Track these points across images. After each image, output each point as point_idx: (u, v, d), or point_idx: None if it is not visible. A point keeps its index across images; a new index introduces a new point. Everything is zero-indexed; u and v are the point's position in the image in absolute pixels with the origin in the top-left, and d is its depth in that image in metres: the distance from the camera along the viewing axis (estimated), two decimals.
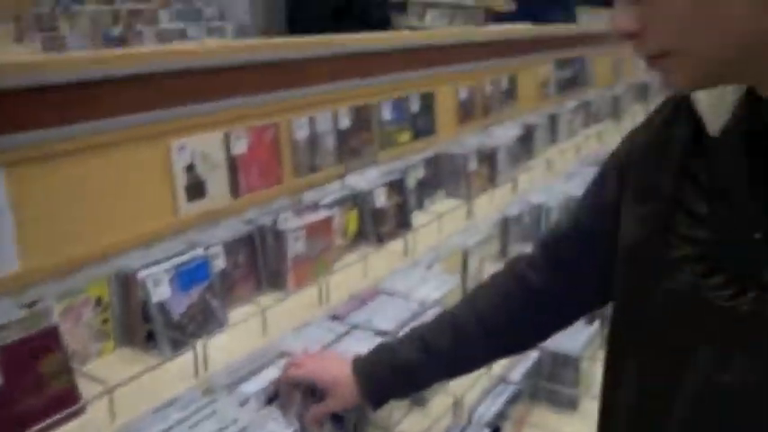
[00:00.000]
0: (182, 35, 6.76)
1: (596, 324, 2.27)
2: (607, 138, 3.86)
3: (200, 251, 1.59)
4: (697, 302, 0.92)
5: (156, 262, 1.51)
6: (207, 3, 7.96)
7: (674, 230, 0.97)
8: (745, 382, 0.88)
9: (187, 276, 1.54)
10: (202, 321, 1.55)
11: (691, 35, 0.81)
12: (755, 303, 0.87)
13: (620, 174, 1.10)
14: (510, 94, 3.26)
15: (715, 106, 0.95)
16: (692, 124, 0.97)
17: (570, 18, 6.68)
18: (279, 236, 1.76)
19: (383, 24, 10.36)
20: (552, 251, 1.26)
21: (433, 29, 8.63)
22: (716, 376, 0.91)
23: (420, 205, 2.44)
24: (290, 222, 1.79)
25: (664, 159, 1.01)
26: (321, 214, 1.89)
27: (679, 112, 1.01)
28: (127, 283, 1.49)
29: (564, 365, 2.09)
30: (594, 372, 2.13)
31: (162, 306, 1.48)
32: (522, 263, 1.31)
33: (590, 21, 6.05)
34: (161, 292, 1.49)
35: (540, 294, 1.26)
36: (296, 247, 1.78)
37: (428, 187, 2.48)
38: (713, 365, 0.91)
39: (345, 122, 2.16)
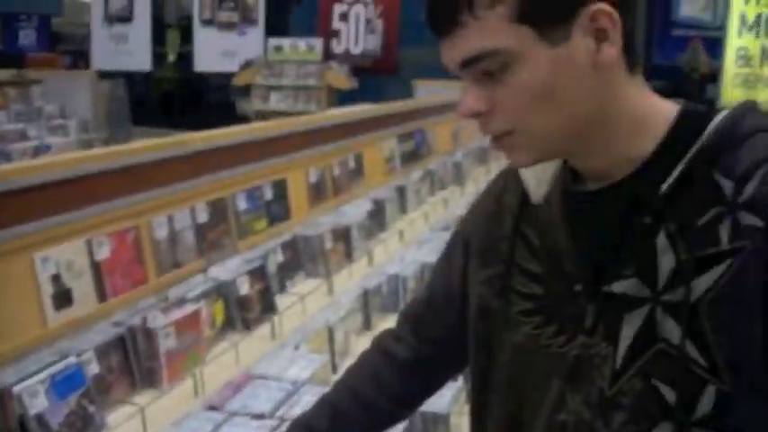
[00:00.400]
0: (22, 136, 6.64)
1: (460, 380, 2.41)
2: (452, 203, 4.09)
3: (72, 359, 1.63)
4: (537, 351, 1.05)
5: (30, 374, 1.54)
6: (47, 101, 7.85)
7: (513, 289, 1.10)
8: (579, 420, 1.02)
9: (62, 385, 1.57)
10: (82, 428, 1.58)
11: (534, 116, 0.93)
12: (582, 348, 1.00)
13: (464, 243, 1.23)
14: (358, 171, 3.42)
15: (538, 178, 1.11)
16: (520, 193, 1.13)
17: (408, 93, 7.01)
18: (149, 335, 1.82)
19: (227, 109, 10.48)
20: (412, 322, 1.37)
21: (278, 111, 8.81)
22: (556, 415, 1.03)
23: (283, 288, 2.53)
24: (159, 320, 1.85)
25: (499, 226, 1.15)
26: (188, 309, 1.96)
27: (509, 182, 1.16)
28: (2, 399, 1.51)
29: (434, 424, 2.21)
30: (465, 426, 2.26)
31: (40, 418, 1.51)
32: (387, 338, 1.41)
33: (427, 92, 6.37)
34: (38, 403, 1.51)
35: (407, 364, 1.35)
36: (167, 343, 1.84)
37: (288, 270, 2.59)
38: (553, 406, 1.05)
39: (203, 217, 2.25)
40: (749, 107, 0.98)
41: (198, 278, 2.16)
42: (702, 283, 0.91)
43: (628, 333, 0.96)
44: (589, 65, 0.93)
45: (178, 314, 1.91)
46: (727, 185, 0.91)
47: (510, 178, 1.16)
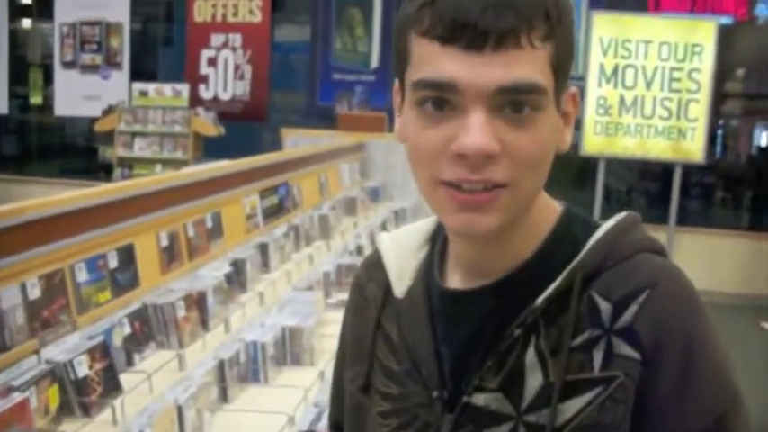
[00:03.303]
0: None
1: None
2: (318, 259, 4.00)
3: None
4: None
5: None
6: None
7: (374, 387, 1.02)
8: None
9: None
10: None
11: (531, 175, 0.84)
12: None
13: (341, 341, 1.14)
14: (215, 231, 3.29)
15: (401, 269, 1.02)
16: (382, 284, 1.04)
17: (277, 139, 6.93)
18: None
19: (89, 156, 10.12)
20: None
21: (143, 158, 8.56)
22: None
23: (130, 363, 2.37)
24: None
25: (364, 320, 1.06)
26: (14, 398, 1.78)
27: (373, 273, 1.07)
28: None
29: None
30: None
31: None
32: None
33: (295, 142, 6.30)
34: None
35: None
36: None
37: (136, 343, 2.42)
38: None
39: (35, 292, 2.07)
40: (631, 223, 0.93)
41: (30, 361, 1.98)
42: (569, 408, 0.84)
43: None
44: (556, 143, 0.87)
45: (2, 405, 1.73)
46: (605, 308, 0.85)
47: (374, 268, 1.07)
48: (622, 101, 7.96)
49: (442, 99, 0.81)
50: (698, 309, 0.86)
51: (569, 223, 0.93)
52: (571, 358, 0.85)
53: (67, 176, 10.27)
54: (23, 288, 2.03)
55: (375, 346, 1.03)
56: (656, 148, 7.98)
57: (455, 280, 0.96)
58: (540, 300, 0.87)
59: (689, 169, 8.63)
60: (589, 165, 8.33)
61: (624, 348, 0.83)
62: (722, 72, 8.82)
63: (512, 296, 0.90)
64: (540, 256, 0.91)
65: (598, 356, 0.84)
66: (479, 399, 0.90)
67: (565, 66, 0.84)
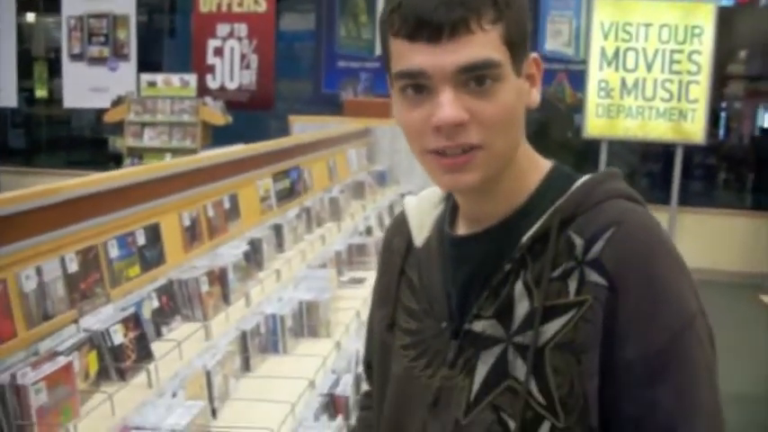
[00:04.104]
0: None
1: (339, 418, 2.46)
2: (329, 239, 4.15)
3: None
4: (411, 382, 1.14)
5: None
6: None
7: (398, 325, 1.20)
8: None
9: None
10: None
11: (502, 134, 1.01)
12: (443, 380, 1.10)
13: (374, 289, 1.33)
14: (233, 212, 3.43)
15: (421, 223, 1.22)
16: (406, 237, 1.23)
17: (284, 127, 7.06)
18: (19, 391, 1.78)
19: (99, 147, 10.25)
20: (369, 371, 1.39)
21: (152, 148, 8.68)
22: None
23: (159, 334, 2.51)
24: (29, 376, 1.81)
25: (391, 268, 1.26)
26: (60, 362, 1.92)
27: (399, 228, 1.27)
28: None
29: None
30: None
31: None
32: (364, 401, 1.44)
33: (303, 129, 6.42)
34: None
35: None
36: (39, 399, 1.80)
37: (164, 315, 2.57)
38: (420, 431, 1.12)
39: (73, 266, 2.22)
40: (610, 175, 1.10)
41: (70, 329, 2.13)
42: (550, 329, 1.00)
43: (482, 369, 1.06)
44: (524, 103, 1.04)
45: (49, 369, 1.88)
46: (579, 243, 1.01)
47: (399, 225, 1.28)
48: (624, 83, 8.08)
49: (418, 85, 1.00)
50: (658, 242, 1.00)
51: (556, 177, 1.11)
52: (551, 287, 1.01)
53: (76, 167, 10.39)
54: (63, 262, 2.17)
55: (399, 290, 1.22)
56: (658, 130, 8.10)
57: (461, 229, 1.15)
58: (525, 239, 1.04)
59: (691, 150, 8.73)
60: (592, 147, 8.45)
61: (593, 276, 0.98)
62: (725, 54, 8.92)
63: (504, 239, 1.07)
64: (528, 204, 1.08)
65: (573, 284, 1.00)
66: (478, 325, 1.07)
67: (519, 40, 1.01)
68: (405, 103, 1.02)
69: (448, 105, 0.97)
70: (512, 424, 1.01)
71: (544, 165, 1.12)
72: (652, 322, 0.96)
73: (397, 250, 1.25)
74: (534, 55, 1.06)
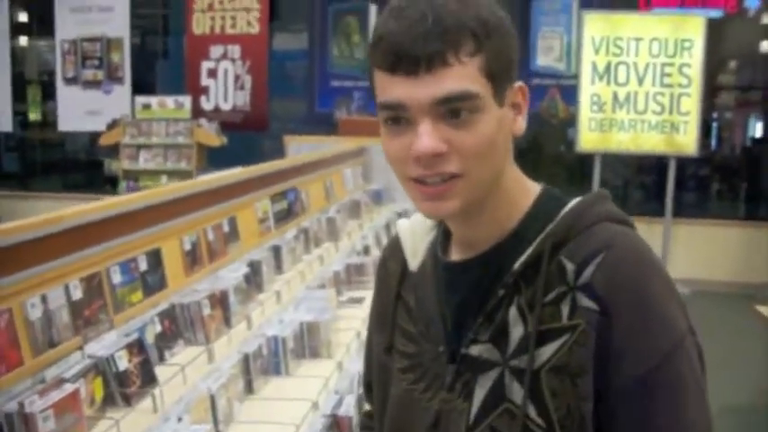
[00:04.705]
0: None
1: None
2: (327, 260, 4.17)
3: None
4: (411, 405, 1.17)
5: None
6: None
7: (395, 348, 1.23)
8: None
9: None
10: None
11: (481, 164, 1.03)
12: (442, 403, 1.13)
13: (371, 312, 1.36)
14: (232, 234, 3.46)
15: (414, 248, 1.25)
16: (400, 261, 1.26)
17: (279, 147, 7.09)
18: (28, 420, 1.80)
19: (94, 170, 10.27)
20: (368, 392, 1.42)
21: (148, 170, 8.71)
22: None
23: (162, 359, 2.53)
24: (37, 404, 1.83)
25: (386, 290, 1.29)
26: (67, 389, 1.95)
27: (393, 252, 1.30)
28: None
29: None
30: None
31: None
32: (363, 420, 1.47)
33: (298, 149, 6.46)
34: None
35: None
36: (46, 427, 1.82)
37: (167, 340, 2.59)
38: None
39: (77, 294, 2.24)
40: (596, 197, 1.12)
41: (75, 356, 2.15)
42: (545, 352, 1.03)
43: (480, 392, 1.09)
44: (508, 131, 1.07)
45: (56, 396, 1.90)
46: (570, 268, 1.04)
47: (393, 248, 1.30)
48: (615, 97, 8.14)
49: (397, 116, 1.03)
50: (648, 265, 1.03)
51: (545, 201, 1.13)
52: (544, 311, 1.03)
53: (71, 191, 10.41)
54: (67, 289, 2.20)
55: (396, 314, 1.25)
56: (650, 142, 8.16)
57: (454, 254, 1.18)
58: (517, 264, 1.07)
59: (684, 162, 8.79)
60: (585, 161, 8.50)
61: (585, 301, 1.01)
62: (715, 65, 9.00)
63: (496, 264, 1.10)
64: (519, 229, 1.11)
65: (565, 309, 1.02)
66: (474, 350, 1.10)
67: (501, 70, 1.03)
68: (388, 132, 1.05)
69: (426, 136, 0.99)
70: None
71: (533, 188, 1.15)
72: (644, 344, 0.99)
73: (392, 273, 1.28)
74: (520, 83, 1.09)
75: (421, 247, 1.24)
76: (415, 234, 1.25)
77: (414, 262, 1.23)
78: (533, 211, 1.12)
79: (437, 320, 1.16)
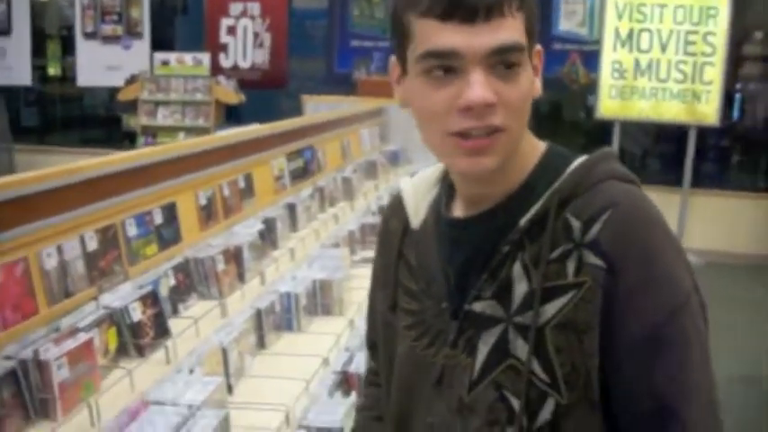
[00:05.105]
0: None
1: (353, 395, 2.50)
2: (342, 219, 4.18)
3: None
4: (416, 361, 1.18)
5: None
6: None
7: (399, 305, 1.23)
8: (443, 423, 1.13)
9: None
10: None
11: (521, 119, 1.04)
12: (446, 359, 1.13)
13: (374, 270, 1.36)
14: (248, 191, 3.47)
15: (417, 205, 1.24)
16: (402, 219, 1.26)
17: (297, 106, 7.07)
18: (42, 367, 1.82)
19: (113, 125, 10.28)
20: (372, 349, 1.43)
21: (166, 126, 8.72)
22: (429, 418, 1.16)
23: (176, 312, 2.55)
24: (52, 351, 1.85)
25: (388, 249, 1.29)
26: (81, 338, 1.97)
27: (395, 210, 1.29)
28: None
29: None
30: None
31: None
32: (368, 377, 1.48)
33: (316, 108, 6.44)
34: None
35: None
36: (60, 374, 1.84)
37: (181, 293, 2.61)
38: (425, 410, 1.16)
39: (93, 245, 2.26)
40: (605, 156, 1.11)
41: (90, 307, 2.17)
42: (549, 309, 1.03)
43: (484, 348, 1.09)
44: (530, 92, 1.06)
45: (70, 345, 1.92)
46: (576, 226, 1.03)
47: (396, 207, 1.30)
48: (637, 64, 8.05)
49: (445, 66, 1.01)
50: (653, 223, 1.03)
51: (551, 158, 1.13)
52: (549, 268, 1.03)
53: (90, 146, 10.44)
54: (82, 240, 2.21)
55: (398, 271, 1.24)
56: (671, 111, 8.07)
57: (458, 211, 1.17)
58: (523, 221, 1.07)
59: (705, 132, 8.70)
60: (605, 128, 8.43)
61: (591, 258, 1.01)
62: (740, 34, 8.85)
63: (501, 220, 1.09)
64: (525, 186, 1.10)
65: (571, 266, 1.02)
66: (478, 306, 1.10)
67: (534, 29, 1.04)
68: (428, 84, 1.02)
69: (479, 85, 0.98)
70: (514, 401, 1.04)
71: (539, 145, 1.15)
72: (650, 301, 0.99)
73: (394, 232, 1.27)
74: (539, 47, 1.08)
75: (423, 205, 1.24)
76: (418, 192, 1.25)
77: (416, 219, 1.23)
78: (539, 169, 1.11)
79: (439, 277, 1.16)
